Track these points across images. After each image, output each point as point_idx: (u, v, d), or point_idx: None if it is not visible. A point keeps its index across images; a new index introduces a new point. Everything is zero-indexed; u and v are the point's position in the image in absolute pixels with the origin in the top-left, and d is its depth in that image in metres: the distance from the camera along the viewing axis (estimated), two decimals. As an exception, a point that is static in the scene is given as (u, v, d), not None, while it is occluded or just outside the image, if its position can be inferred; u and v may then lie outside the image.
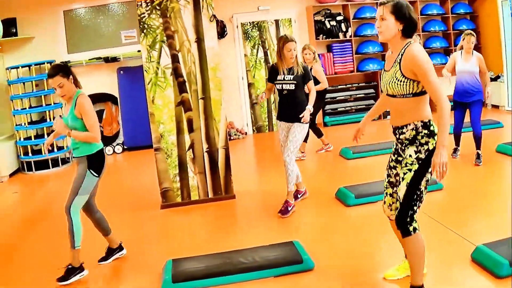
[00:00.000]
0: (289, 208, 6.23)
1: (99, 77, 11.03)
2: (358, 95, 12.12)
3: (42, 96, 10.21)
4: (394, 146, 3.96)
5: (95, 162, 4.87)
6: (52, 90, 10.18)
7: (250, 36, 11.47)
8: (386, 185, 4.08)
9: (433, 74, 3.51)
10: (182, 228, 6.21)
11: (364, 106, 12.08)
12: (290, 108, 6.23)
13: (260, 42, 11.54)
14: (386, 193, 4.09)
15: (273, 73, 6.32)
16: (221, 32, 11.18)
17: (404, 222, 3.73)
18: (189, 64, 6.66)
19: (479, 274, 4.34)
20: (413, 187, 3.69)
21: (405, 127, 3.74)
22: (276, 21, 11.58)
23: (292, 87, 6.19)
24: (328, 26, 11.61)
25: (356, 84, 12.02)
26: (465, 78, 7.70)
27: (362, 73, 12.03)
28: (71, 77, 4.80)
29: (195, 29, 6.65)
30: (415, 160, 3.68)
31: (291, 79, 6.18)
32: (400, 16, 3.57)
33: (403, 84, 3.63)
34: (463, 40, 7.70)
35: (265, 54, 11.56)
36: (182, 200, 6.83)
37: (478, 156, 7.80)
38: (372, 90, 12.22)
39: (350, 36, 11.79)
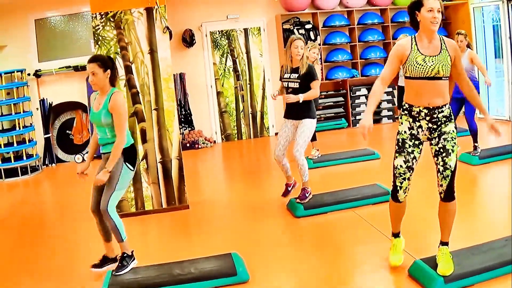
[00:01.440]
0: (307, 194, 6.58)
1: (69, 85, 11.04)
2: (327, 103, 12.19)
3: (12, 105, 10.24)
4: (409, 132, 4.38)
5: (131, 155, 4.88)
6: (23, 98, 10.24)
7: (219, 44, 11.54)
8: (404, 170, 4.44)
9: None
10: (135, 238, 6.18)
11: (333, 114, 12.17)
12: (295, 105, 6.47)
13: (229, 51, 11.60)
14: (404, 178, 4.48)
15: (282, 72, 6.66)
16: (190, 40, 11.23)
17: (453, 189, 4.34)
18: (142, 75, 6.72)
19: None
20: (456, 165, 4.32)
21: (444, 106, 4.27)
22: (245, 30, 11.65)
23: (297, 85, 6.45)
24: (297, 35, 11.66)
25: (325, 93, 12.07)
26: None
27: (331, 81, 12.10)
28: (108, 71, 4.77)
29: (149, 40, 6.71)
30: (456, 134, 4.31)
31: (296, 77, 6.44)
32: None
33: (450, 67, 4.22)
34: (455, 40, 8.12)
35: (234, 62, 11.62)
36: (136, 210, 6.88)
37: (475, 148, 8.38)
38: (341, 98, 12.31)
39: (319, 44, 11.86)
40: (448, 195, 4.33)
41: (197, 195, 7.40)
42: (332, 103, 12.21)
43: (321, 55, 11.88)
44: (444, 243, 4.46)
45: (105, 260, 5.11)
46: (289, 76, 6.51)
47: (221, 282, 4.65)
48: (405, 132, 4.39)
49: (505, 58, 11.45)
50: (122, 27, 6.64)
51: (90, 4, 6.61)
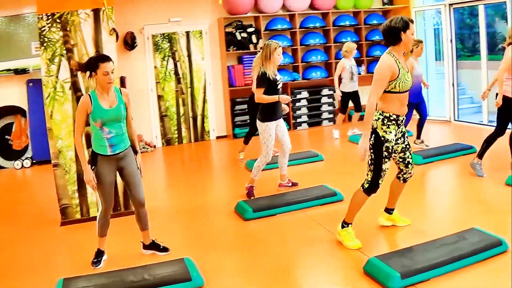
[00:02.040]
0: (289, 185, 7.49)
1: (9, 89, 10.65)
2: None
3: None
4: (395, 139, 5.08)
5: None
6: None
7: (160, 47, 11.39)
8: (386, 173, 5.15)
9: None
10: (81, 245, 6.06)
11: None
12: (280, 105, 7.09)
13: (170, 54, 11.47)
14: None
15: (269, 77, 6.90)
16: (132, 43, 11.06)
17: None
18: (88, 78, 6.54)
19: (371, 286, 4.46)
20: None
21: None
22: (187, 33, 11.54)
23: (281, 85, 7.11)
24: (239, 38, 11.65)
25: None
26: (417, 81, 8.80)
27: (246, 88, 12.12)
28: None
29: (95, 42, 6.55)
30: None
31: (280, 79, 7.07)
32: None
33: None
34: (416, 47, 8.76)
35: (175, 66, 11.50)
36: (81, 217, 6.70)
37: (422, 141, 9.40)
38: (281, 101, 12.31)
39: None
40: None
41: (151, 199, 7.26)
42: None
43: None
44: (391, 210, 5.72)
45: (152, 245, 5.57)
46: (279, 78, 7.05)
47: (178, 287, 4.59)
48: (392, 139, 5.00)
49: (445, 60, 11.81)
50: (68, 29, 6.46)
51: (37, 4, 6.41)
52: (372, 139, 4.98)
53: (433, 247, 4.83)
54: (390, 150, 5.00)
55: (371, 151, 5.01)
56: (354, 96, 10.68)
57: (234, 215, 6.62)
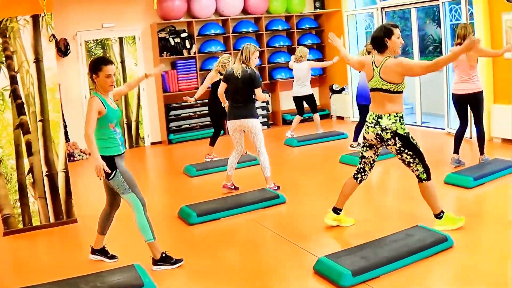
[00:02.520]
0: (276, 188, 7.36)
1: None
2: (202, 112, 12.18)
3: None
4: None
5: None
6: None
7: (93, 54, 11.27)
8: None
9: None
10: (25, 255, 5.96)
11: (208, 122, 12.16)
12: None
13: (104, 60, 11.36)
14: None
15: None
16: (65, 50, 10.91)
17: None
18: (28, 85, 6.46)
19: (323, 285, 4.57)
20: None
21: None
22: (120, 39, 11.47)
23: None
24: (173, 43, 11.66)
25: (201, 101, 12.04)
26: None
27: (206, 89, 12.12)
28: None
29: (34, 49, 6.46)
30: None
31: None
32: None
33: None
34: (369, 53, 8.69)
35: (110, 71, 11.40)
36: (24, 226, 6.57)
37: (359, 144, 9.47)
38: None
39: (194, 53, 11.92)
40: None
41: (82, 208, 7.19)
42: (207, 111, 12.04)
43: (196, 63, 11.95)
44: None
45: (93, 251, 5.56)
46: None
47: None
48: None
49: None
50: (7, 36, 6.34)
51: (-24, 12, 6.29)
52: (399, 142, 5.25)
53: (382, 244, 4.99)
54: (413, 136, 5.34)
55: (406, 151, 5.28)
56: (307, 99, 10.85)
57: (178, 220, 6.64)
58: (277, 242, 5.70)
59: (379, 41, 5.25)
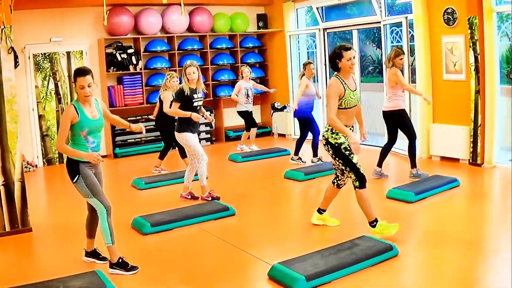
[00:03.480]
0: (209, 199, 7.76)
1: None
2: (147, 127, 12.19)
3: None
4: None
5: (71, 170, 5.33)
6: None
7: (41, 67, 11.33)
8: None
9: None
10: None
11: (153, 137, 12.31)
12: (197, 122, 7.80)
13: (51, 74, 11.43)
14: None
15: (187, 94, 7.64)
16: (14, 63, 10.88)
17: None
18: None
19: None
20: None
21: None
22: (68, 53, 11.56)
23: (201, 103, 7.86)
24: (119, 59, 11.83)
25: (146, 116, 12.26)
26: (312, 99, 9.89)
27: (152, 105, 12.20)
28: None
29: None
30: None
31: (200, 96, 7.83)
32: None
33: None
34: (308, 69, 9.78)
35: (56, 85, 11.45)
36: (-18, 234, 6.66)
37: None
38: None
39: (141, 69, 12.11)
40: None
41: (38, 217, 7.29)
42: (152, 126, 12.09)
43: (142, 79, 12.13)
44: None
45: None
46: (197, 96, 7.75)
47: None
48: (344, 141, 5.81)
49: (320, 82, 12.65)
50: (-33, 47, 6.47)
51: None
52: (330, 149, 5.92)
53: (329, 253, 5.36)
54: (348, 147, 5.81)
55: (336, 159, 5.96)
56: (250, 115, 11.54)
57: (132, 230, 6.83)
58: (229, 251, 5.99)
59: (332, 62, 5.95)
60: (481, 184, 8.53)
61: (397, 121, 8.36)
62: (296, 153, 10.15)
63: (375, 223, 5.92)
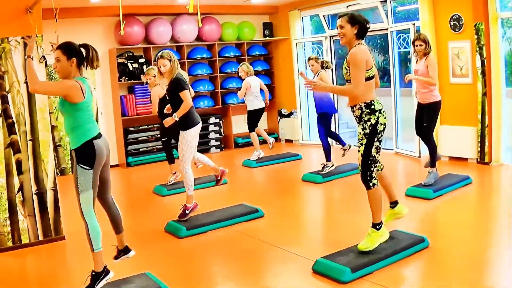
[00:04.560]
0: (187, 211, 7.03)
1: None
2: (159, 135, 12.37)
3: None
4: None
5: (84, 155, 4.75)
6: None
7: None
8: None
9: (358, 70, 5.05)
10: (14, 272, 6.07)
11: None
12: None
13: (63, 84, 11.45)
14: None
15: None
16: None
17: (366, 180, 5.26)
18: (18, 105, 6.63)
19: (324, 283, 5.04)
20: (366, 155, 5.21)
21: (354, 107, 5.26)
22: (79, 63, 11.60)
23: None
24: (131, 68, 11.91)
25: (158, 125, 12.33)
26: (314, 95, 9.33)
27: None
28: (73, 59, 4.82)
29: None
30: (363, 135, 5.20)
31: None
32: (354, 23, 5.14)
33: (348, 73, 5.17)
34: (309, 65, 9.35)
35: (68, 96, 11.50)
36: (13, 244, 6.68)
37: (323, 167, 9.40)
38: (171, 130, 12.65)
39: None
40: (364, 183, 5.33)
41: (70, 225, 7.31)
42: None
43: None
44: (372, 225, 5.41)
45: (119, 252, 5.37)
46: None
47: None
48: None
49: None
50: (-1, 56, 6.53)
51: (-33, 32, 6.42)
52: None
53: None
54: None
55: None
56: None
57: (166, 234, 6.90)
58: (268, 250, 6.12)
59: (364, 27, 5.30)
60: (492, 181, 8.82)
61: (431, 114, 8.02)
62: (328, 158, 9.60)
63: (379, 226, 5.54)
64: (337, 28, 5.24)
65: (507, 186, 8.29)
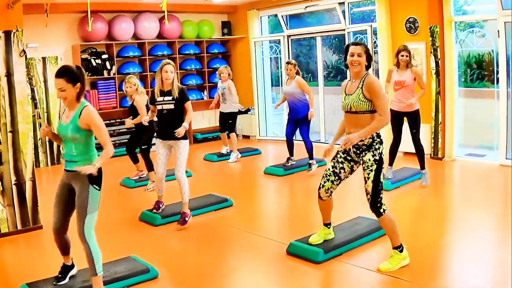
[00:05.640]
0: (186, 219, 6.97)
1: None
2: (121, 130, 12.68)
3: None
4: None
5: (97, 177, 4.63)
6: None
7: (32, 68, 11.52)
8: (330, 173, 5.42)
9: (383, 99, 5.08)
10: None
11: (126, 140, 12.57)
12: (173, 127, 6.95)
13: (27, 79, 11.55)
14: (328, 179, 5.44)
15: (154, 96, 7.12)
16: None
17: (376, 208, 5.15)
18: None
19: (299, 263, 5.51)
20: (376, 182, 5.12)
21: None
22: (44, 59, 11.76)
23: (172, 106, 6.98)
24: (94, 64, 12.11)
25: (119, 120, 12.57)
26: (291, 99, 9.56)
27: (124, 108, 12.50)
28: (78, 85, 4.61)
29: (6, 63, 6.83)
30: (373, 162, 5.12)
31: (170, 99, 6.97)
32: (368, 54, 5.18)
33: (364, 103, 5.08)
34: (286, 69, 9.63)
35: (32, 91, 11.60)
36: (-9, 234, 6.90)
37: (310, 166, 9.70)
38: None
39: (114, 74, 12.41)
40: (374, 211, 5.23)
41: (48, 215, 7.47)
42: (125, 130, 12.51)
43: (115, 84, 12.43)
44: (393, 247, 5.32)
45: (65, 269, 5.15)
46: (163, 99, 7.02)
47: (138, 279, 5.25)
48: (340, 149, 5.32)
49: (283, 85, 13.08)
50: (-21, 50, 6.71)
51: None
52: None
53: (337, 230, 6.04)
54: (335, 158, 5.50)
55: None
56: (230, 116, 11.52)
57: (141, 223, 7.24)
58: (242, 235, 6.57)
59: (345, 60, 5.37)
60: (444, 175, 9.47)
61: (418, 120, 8.39)
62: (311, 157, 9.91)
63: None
64: (353, 55, 5.14)
65: (460, 178, 9.07)
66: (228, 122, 11.45)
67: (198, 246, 6.33)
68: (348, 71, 5.70)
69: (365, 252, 5.76)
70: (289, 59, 12.98)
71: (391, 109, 7.91)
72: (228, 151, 11.68)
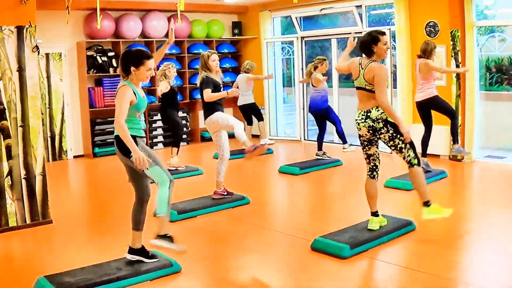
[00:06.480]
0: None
1: None
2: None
3: None
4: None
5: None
6: None
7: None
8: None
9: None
10: (1, 256, 6.09)
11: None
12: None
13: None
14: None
15: (213, 82, 7.43)
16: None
17: (410, 160, 5.71)
18: (10, 92, 6.69)
19: (324, 259, 5.42)
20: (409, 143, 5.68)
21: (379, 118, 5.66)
22: (47, 55, 11.63)
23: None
24: (100, 61, 11.97)
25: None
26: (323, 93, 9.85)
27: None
28: None
29: (17, 58, 6.72)
30: (393, 132, 5.66)
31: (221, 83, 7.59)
32: None
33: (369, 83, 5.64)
34: (321, 65, 9.90)
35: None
36: (0, 227, 6.73)
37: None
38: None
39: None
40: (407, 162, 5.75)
41: (58, 210, 7.37)
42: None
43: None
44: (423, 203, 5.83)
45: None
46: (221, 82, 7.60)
47: (159, 274, 5.15)
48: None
49: (296, 87, 13.24)
50: (-9, 44, 6.56)
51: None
52: (390, 128, 5.62)
53: (360, 228, 5.99)
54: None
55: (398, 136, 5.63)
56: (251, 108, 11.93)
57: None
58: (263, 232, 6.46)
59: (365, 46, 5.67)
60: (464, 176, 9.43)
61: (434, 107, 8.56)
62: (320, 148, 10.22)
63: (429, 203, 5.80)
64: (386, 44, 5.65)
65: (481, 179, 9.11)
66: (250, 114, 12.07)
67: (217, 242, 6.20)
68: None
69: (391, 248, 5.70)
70: (302, 60, 13.11)
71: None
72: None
